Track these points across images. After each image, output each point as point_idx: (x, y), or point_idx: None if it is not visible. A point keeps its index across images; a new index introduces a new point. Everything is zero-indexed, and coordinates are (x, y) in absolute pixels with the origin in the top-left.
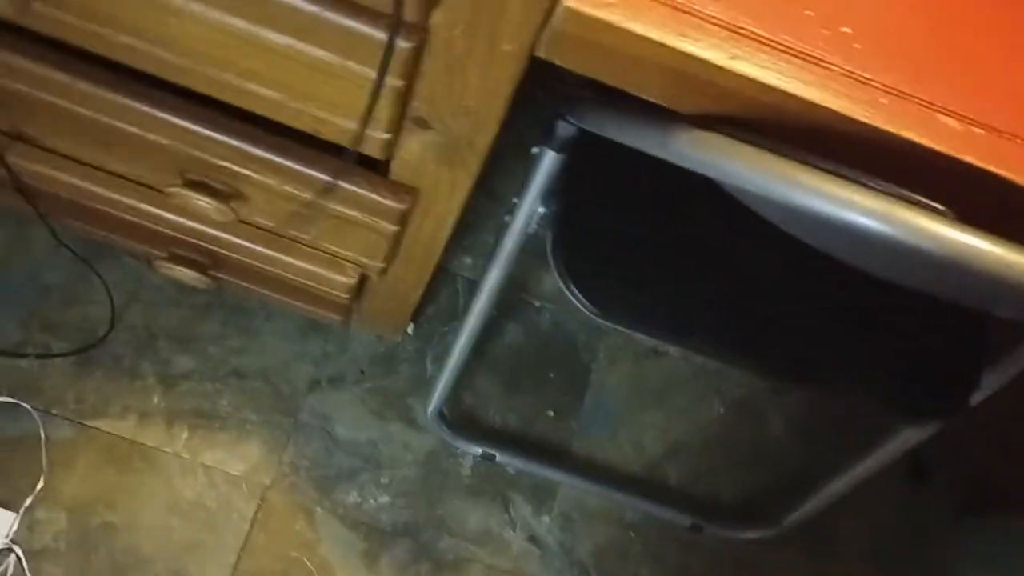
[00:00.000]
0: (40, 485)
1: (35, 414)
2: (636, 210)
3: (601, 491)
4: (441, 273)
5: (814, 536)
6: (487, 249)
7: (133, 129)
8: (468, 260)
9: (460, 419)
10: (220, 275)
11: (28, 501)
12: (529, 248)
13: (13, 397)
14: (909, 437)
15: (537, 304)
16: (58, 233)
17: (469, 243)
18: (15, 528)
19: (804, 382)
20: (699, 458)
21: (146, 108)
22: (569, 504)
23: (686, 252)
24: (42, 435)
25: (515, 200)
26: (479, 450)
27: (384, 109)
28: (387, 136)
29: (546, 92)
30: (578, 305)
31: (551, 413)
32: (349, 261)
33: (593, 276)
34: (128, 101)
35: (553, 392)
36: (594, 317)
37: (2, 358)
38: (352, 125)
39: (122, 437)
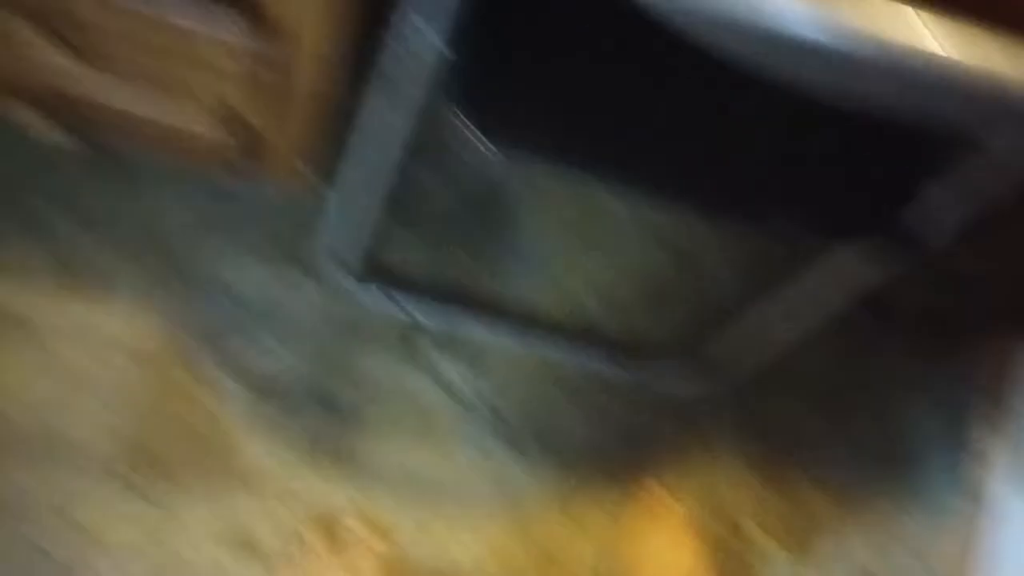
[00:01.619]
0: None
1: None
2: (537, 39)
3: (527, 342)
4: (343, 114)
5: (757, 384)
6: None
7: None
8: None
9: (364, 264)
10: (90, 130)
11: None
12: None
13: None
14: (846, 264)
15: (455, 147)
16: None
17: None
18: None
19: (720, 215)
20: (635, 306)
21: None
22: (492, 356)
23: (595, 77)
24: None
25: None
26: (391, 302)
27: None
28: None
29: None
30: (473, 139)
31: (470, 260)
32: (225, 105)
33: (493, 109)
34: None
35: (473, 238)
36: (498, 153)
37: None
38: None
39: None
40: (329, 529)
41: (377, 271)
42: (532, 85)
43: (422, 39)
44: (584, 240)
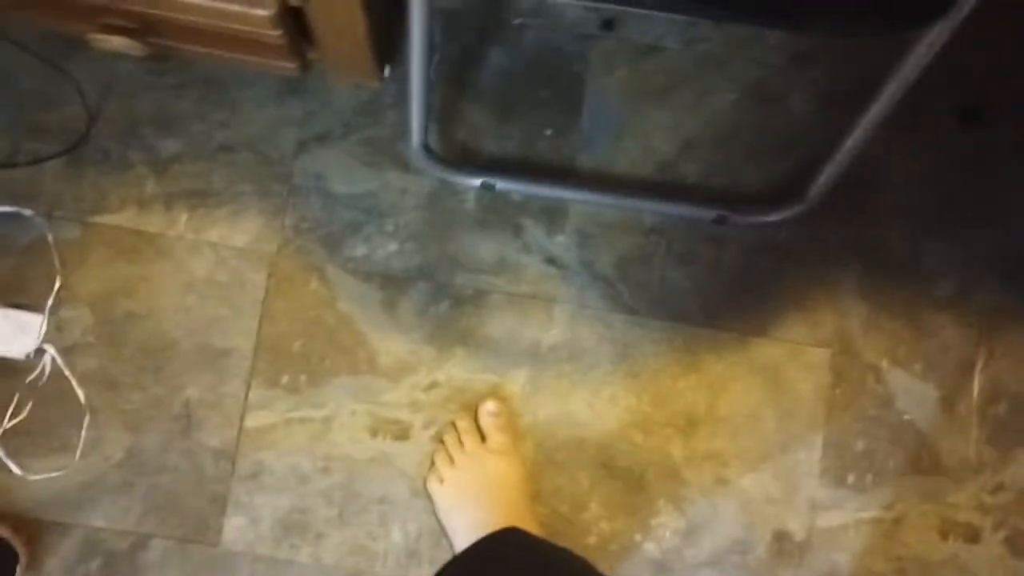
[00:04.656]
0: (58, 285)
1: (39, 219)
2: None
3: (614, 201)
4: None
5: (848, 203)
6: None
7: None
8: None
9: (454, 154)
10: (155, 39)
11: (50, 302)
12: None
13: (15, 205)
14: (920, 53)
15: (517, 22)
16: (9, 33)
17: None
18: (44, 329)
19: (774, 21)
20: (715, 149)
21: None
22: (583, 220)
23: None
24: (49, 238)
25: None
26: (479, 181)
27: None
28: None
29: None
30: None
31: (549, 132)
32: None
33: None
34: None
35: (548, 109)
36: None
37: None
38: None
39: (125, 228)
40: (471, 410)
41: (470, 157)
42: None
43: None
44: (659, 96)
